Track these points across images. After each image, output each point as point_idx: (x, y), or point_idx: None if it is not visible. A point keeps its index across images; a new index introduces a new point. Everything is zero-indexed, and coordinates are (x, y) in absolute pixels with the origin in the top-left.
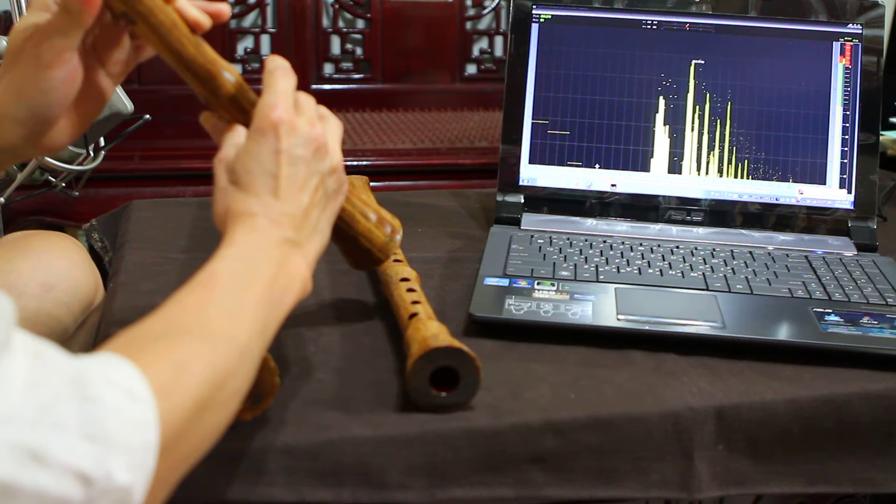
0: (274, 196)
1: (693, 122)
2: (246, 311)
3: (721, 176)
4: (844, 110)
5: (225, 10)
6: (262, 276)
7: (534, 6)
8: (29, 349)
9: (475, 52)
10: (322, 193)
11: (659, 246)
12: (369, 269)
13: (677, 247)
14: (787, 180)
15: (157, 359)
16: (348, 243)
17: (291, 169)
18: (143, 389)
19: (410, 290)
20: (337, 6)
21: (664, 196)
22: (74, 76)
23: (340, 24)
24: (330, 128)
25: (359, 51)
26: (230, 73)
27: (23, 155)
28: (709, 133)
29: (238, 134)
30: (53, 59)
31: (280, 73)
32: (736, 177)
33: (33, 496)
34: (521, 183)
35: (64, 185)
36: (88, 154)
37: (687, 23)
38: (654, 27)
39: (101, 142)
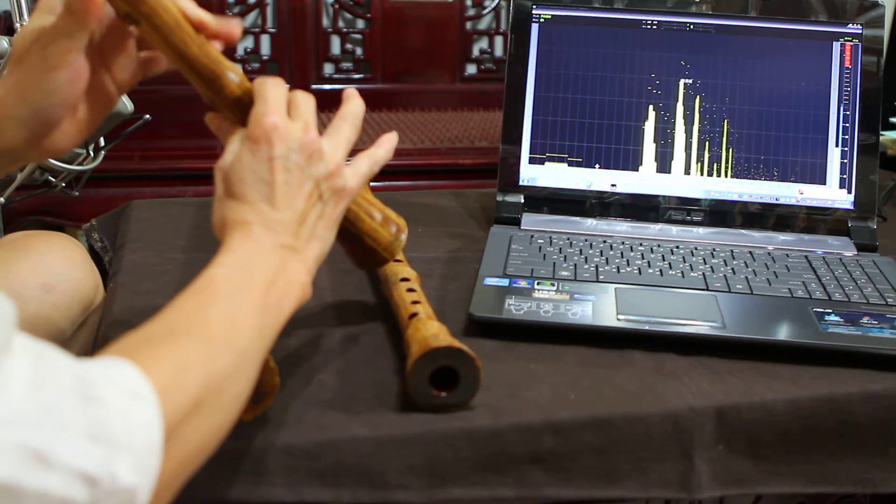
0: (269, 204)
1: (693, 123)
2: (244, 317)
3: (721, 176)
4: (844, 110)
5: (236, 31)
6: (259, 282)
7: (534, 6)
8: (31, 351)
9: (475, 52)
10: (317, 199)
11: (659, 246)
12: (374, 268)
13: (677, 247)
14: (786, 180)
15: (159, 360)
16: (353, 242)
17: (286, 175)
18: (146, 391)
19: (410, 290)
20: (337, 6)
21: (664, 196)
22: (79, 78)
23: (340, 24)
24: (340, 136)
25: (359, 51)
26: (234, 74)
27: (24, 158)
28: (709, 133)
29: (237, 140)
30: (59, 61)
31: (270, 84)
32: (736, 177)
33: (38, 497)
34: (521, 183)
35: (64, 185)
36: (88, 154)
37: (687, 23)
38: (654, 27)
39: (101, 142)
